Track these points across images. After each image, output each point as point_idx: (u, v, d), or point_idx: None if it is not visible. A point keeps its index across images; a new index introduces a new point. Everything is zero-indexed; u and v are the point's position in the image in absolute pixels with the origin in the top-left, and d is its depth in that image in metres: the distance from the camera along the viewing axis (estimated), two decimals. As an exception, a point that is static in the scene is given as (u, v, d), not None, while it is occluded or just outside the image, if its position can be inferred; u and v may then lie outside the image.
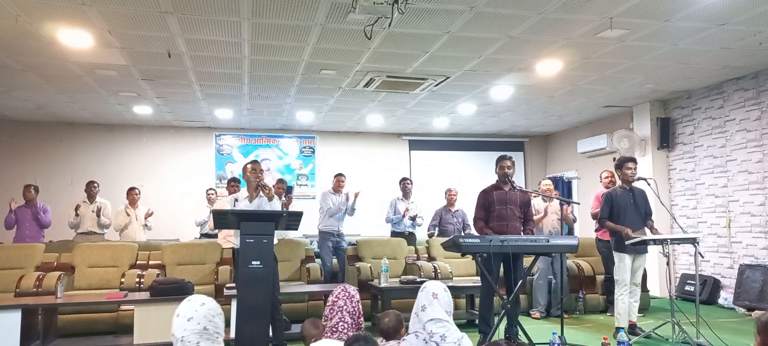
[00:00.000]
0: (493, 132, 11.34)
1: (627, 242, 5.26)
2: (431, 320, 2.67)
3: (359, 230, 9.08)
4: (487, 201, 5.29)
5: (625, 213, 5.45)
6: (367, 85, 7.35)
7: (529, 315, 6.75)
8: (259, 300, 4.31)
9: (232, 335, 4.60)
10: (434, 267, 6.78)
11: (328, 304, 2.91)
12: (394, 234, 7.88)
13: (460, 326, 2.78)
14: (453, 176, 10.53)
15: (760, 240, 7.07)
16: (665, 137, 8.48)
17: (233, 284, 5.34)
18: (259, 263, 4.33)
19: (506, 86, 7.62)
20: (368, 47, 5.89)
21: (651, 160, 8.62)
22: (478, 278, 5.66)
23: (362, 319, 2.92)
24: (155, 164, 10.31)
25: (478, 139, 11.63)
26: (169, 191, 10.16)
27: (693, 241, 5.32)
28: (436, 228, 7.86)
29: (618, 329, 5.32)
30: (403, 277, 6.45)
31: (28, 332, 4.77)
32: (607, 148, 9.44)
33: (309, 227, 8.46)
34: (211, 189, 8.86)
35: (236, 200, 5.13)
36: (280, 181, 7.77)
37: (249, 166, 5.07)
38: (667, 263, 5.22)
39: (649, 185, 5.41)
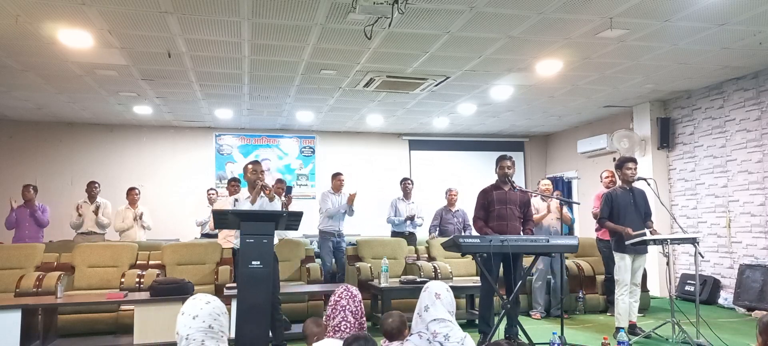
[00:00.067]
0: (493, 132, 11.34)
1: (627, 242, 5.26)
2: (434, 320, 2.67)
3: (359, 230, 9.08)
4: (486, 201, 5.29)
5: (625, 213, 5.45)
6: (367, 85, 7.35)
7: (529, 315, 6.75)
8: (259, 300, 4.32)
9: (232, 335, 4.60)
10: (434, 267, 6.79)
11: (330, 303, 2.92)
12: (394, 234, 7.88)
13: (460, 326, 2.78)
14: (453, 176, 10.53)
15: (760, 240, 7.07)
16: (665, 137, 8.48)
17: (233, 284, 5.34)
18: (259, 263, 4.34)
19: (506, 86, 7.62)
20: (368, 47, 5.89)
21: (651, 160, 8.62)
22: (478, 278, 5.65)
23: (364, 319, 2.92)
24: (155, 164, 10.31)
25: (478, 139, 11.63)
26: (169, 191, 10.16)
27: (693, 241, 5.32)
28: (437, 229, 7.86)
29: (618, 329, 5.32)
30: (403, 277, 6.45)
31: (28, 332, 4.77)
32: (607, 148, 9.45)
33: (309, 227, 8.47)
34: (211, 189, 8.85)
35: (236, 200, 5.13)
36: (280, 181, 7.76)
37: (250, 166, 5.07)
38: (667, 263, 5.22)
39: (649, 185, 5.41)
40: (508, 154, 5.43)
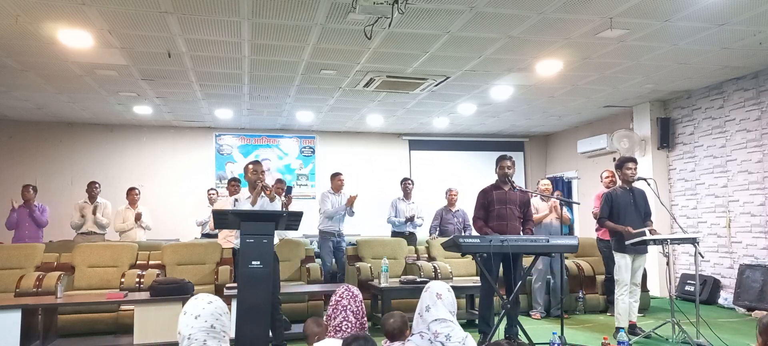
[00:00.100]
0: (493, 132, 11.34)
1: (627, 242, 5.26)
2: (436, 320, 2.67)
3: (359, 230, 9.09)
4: (486, 200, 5.29)
5: (625, 213, 5.45)
6: (367, 85, 7.35)
7: (529, 316, 6.75)
8: (259, 300, 4.32)
9: (232, 334, 4.60)
10: (434, 267, 6.78)
11: (331, 303, 2.92)
12: (394, 234, 7.88)
13: (460, 326, 2.78)
14: (453, 176, 10.53)
15: (760, 240, 7.07)
16: (665, 137, 8.48)
17: (233, 284, 5.34)
18: (259, 263, 4.34)
19: (506, 86, 7.62)
20: (368, 47, 5.89)
21: (651, 160, 8.62)
22: (478, 278, 5.66)
23: (366, 319, 2.92)
24: (155, 164, 10.31)
25: (478, 139, 11.63)
26: (169, 191, 10.16)
27: (693, 241, 5.32)
28: (437, 229, 7.86)
29: (618, 329, 5.32)
30: (403, 277, 6.45)
31: (28, 332, 4.77)
32: (607, 148, 9.45)
33: (309, 227, 8.47)
34: (212, 189, 8.86)
35: (236, 200, 5.13)
36: (279, 181, 7.76)
37: (250, 166, 5.07)
38: (667, 263, 5.22)
39: (649, 185, 5.41)
40: (508, 154, 5.43)
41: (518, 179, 10.00)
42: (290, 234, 7.06)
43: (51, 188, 9.56)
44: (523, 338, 4.76)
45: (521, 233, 5.28)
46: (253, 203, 4.91)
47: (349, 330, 2.81)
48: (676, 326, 5.10)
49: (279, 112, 9.19)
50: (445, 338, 2.64)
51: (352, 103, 8.59)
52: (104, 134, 10.14)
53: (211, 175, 10.48)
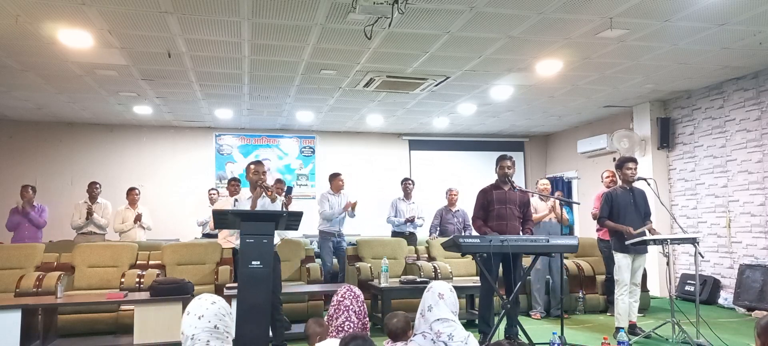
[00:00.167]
0: (493, 132, 11.34)
1: (627, 242, 5.26)
2: (438, 320, 2.68)
3: (359, 230, 9.08)
4: (486, 200, 5.30)
5: (625, 213, 5.45)
6: (367, 85, 7.35)
7: (528, 316, 6.74)
8: (259, 300, 4.32)
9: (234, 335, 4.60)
10: (434, 267, 6.78)
11: (333, 303, 2.91)
12: (394, 234, 7.88)
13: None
14: (453, 176, 10.53)
15: (760, 240, 7.07)
16: (665, 137, 8.48)
17: (233, 284, 5.34)
18: (259, 263, 4.34)
19: (506, 86, 7.62)
20: (368, 47, 5.89)
21: (651, 160, 8.62)
22: (478, 278, 5.66)
23: (367, 319, 2.92)
24: (155, 164, 10.31)
25: (478, 139, 11.63)
26: (169, 191, 10.16)
27: (693, 241, 5.32)
28: (437, 229, 7.86)
29: (618, 329, 5.32)
30: (403, 277, 6.45)
31: (28, 332, 4.77)
32: (607, 148, 9.45)
33: (309, 227, 8.47)
34: (213, 189, 8.87)
35: (236, 200, 5.12)
36: (279, 181, 7.76)
37: (252, 166, 5.05)
38: (667, 263, 5.22)
39: (649, 185, 5.41)
40: (509, 154, 5.43)
41: (518, 179, 10.00)
42: (290, 234, 7.05)
43: (51, 188, 9.56)
44: (523, 338, 4.76)
45: (521, 232, 5.28)
46: (253, 207, 4.90)
47: (351, 330, 2.81)
48: (676, 326, 5.10)
49: (279, 112, 9.19)
50: (447, 337, 2.64)
51: (352, 103, 8.59)
52: (104, 134, 10.14)
53: (211, 175, 10.48)
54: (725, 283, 7.55)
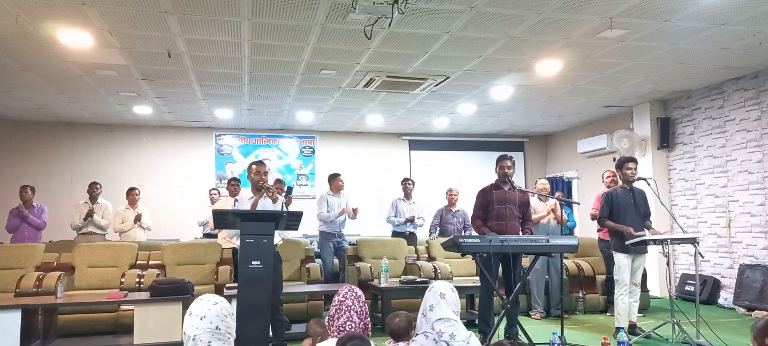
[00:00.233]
0: (493, 132, 11.34)
1: (628, 242, 5.26)
2: (439, 319, 2.68)
3: (359, 230, 9.09)
4: (486, 200, 5.30)
5: (625, 213, 5.45)
6: (367, 85, 7.35)
7: (528, 316, 6.74)
8: (259, 300, 4.32)
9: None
10: (434, 267, 6.78)
11: (334, 303, 2.91)
12: (395, 234, 7.88)
13: (461, 326, 2.78)
14: (453, 176, 10.53)
15: (760, 240, 7.07)
16: (665, 137, 8.48)
17: (234, 284, 5.34)
18: (259, 263, 4.34)
19: (506, 86, 7.62)
20: (368, 47, 5.89)
21: (651, 160, 8.62)
22: (478, 278, 5.66)
23: (369, 319, 2.92)
24: (155, 164, 10.31)
25: (478, 139, 11.63)
26: (169, 191, 10.16)
27: (693, 241, 5.32)
28: (437, 228, 7.86)
29: (618, 329, 5.32)
30: (403, 277, 6.45)
31: (28, 332, 4.77)
32: (607, 148, 9.45)
33: (309, 227, 8.47)
34: (214, 189, 8.87)
35: (236, 201, 5.12)
36: (279, 181, 7.76)
37: (254, 166, 5.03)
38: (667, 263, 5.22)
39: (649, 185, 5.41)
40: (509, 154, 5.43)
41: (518, 179, 10.00)
42: (290, 234, 7.05)
43: (51, 188, 9.56)
44: (523, 338, 4.76)
45: (520, 232, 5.28)
46: (254, 208, 4.89)
47: (352, 331, 2.80)
48: (676, 326, 5.10)
49: (279, 112, 9.19)
50: (449, 337, 2.64)
51: (352, 103, 8.59)
52: (104, 134, 10.14)
53: (211, 175, 10.48)
54: (725, 283, 7.55)
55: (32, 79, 7.02)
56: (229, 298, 4.96)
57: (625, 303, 5.40)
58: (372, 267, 6.68)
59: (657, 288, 8.10)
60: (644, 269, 5.81)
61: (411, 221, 7.82)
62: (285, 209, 4.97)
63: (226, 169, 10.54)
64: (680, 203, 8.39)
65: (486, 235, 4.94)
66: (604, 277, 6.99)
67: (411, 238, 7.74)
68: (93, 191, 7.73)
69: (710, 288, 7.59)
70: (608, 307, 6.81)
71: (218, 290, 5.86)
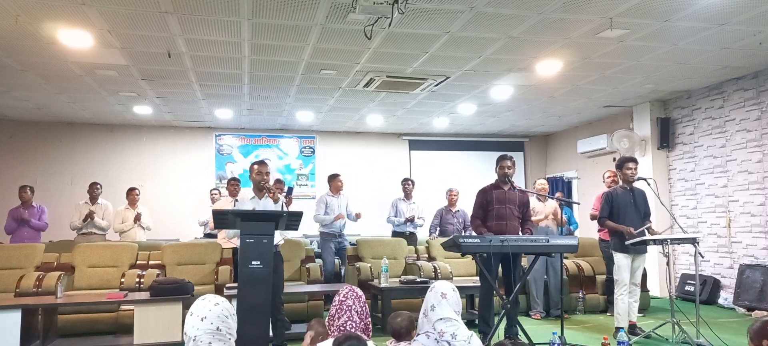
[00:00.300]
0: (493, 132, 11.34)
1: (628, 242, 5.26)
2: (441, 319, 2.68)
3: (359, 230, 9.09)
4: (485, 200, 5.30)
5: (625, 213, 5.45)
6: (367, 85, 7.35)
7: (528, 316, 6.74)
8: (259, 300, 4.32)
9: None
10: (434, 267, 6.79)
11: (334, 303, 2.90)
12: (395, 234, 7.88)
13: (461, 326, 2.78)
14: (453, 176, 10.53)
15: (760, 240, 7.07)
16: (665, 137, 8.48)
17: (234, 284, 5.34)
18: (259, 263, 4.34)
19: (506, 86, 7.62)
20: (368, 47, 5.89)
21: (651, 160, 8.62)
22: (478, 278, 5.66)
23: (369, 320, 2.91)
24: (155, 164, 10.31)
25: (478, 139, 11.63)
26: (169, 191, 10.16)
27: (693, 241, 5.32)
28: (437, 228, 7.86)
29: (618, 329, 5.32)
30: (403, 277, 6.45)
31: (28, 332, 4.77)
32: (607, 148, 9.45)
33: (309, 227, 8.47)
34: (215, 189, 8.87)
35: (236, 201, 5.12)
36: (279, 181, 7.76)
37: (256, 166, 5.03)
38: (667, 263, 5.22)
39: (649, 185, 5.41)
40: (509, 154, 5.43)
41: (518, 179, 10.00)
42: (290, 234, 7.05)
43: (51, 188, 9.56)
44: (523, 338, 4.76)
45: (520, 233, 5.28)
46: (259, 201, 4.89)
47: (353, 330, 2.80)
48: (676, 326, 5.10)
49: (279, 112, 9.19)
50: (450, 336, 2.64)
51: (352, 103, 8.59)
52: (104, 134, 10.14)
53: (211, 175, 10.48)
54: (725, 283, 7.55)
55: (32, 79, 7.02)
56: (229, 298, 4.99)
57: (625, 303, 5.40)
58: (372, 267, 6.68)
59: (657, 288, 8.10)
60: (644, 269, 5.81)
61: (411, 220, 7.82)
62: (285, 209, 4.97)
63: (226, 170, 10.54)
64: (680, 203, 8.39)
65: (485, 235, 4.95)
66: (604, 277, 6.99)
67: (411, 238, 7.74)
68: (93, 191, 7.73)
69: (710, 288, 7.59)
70: (608, 307, 6.81)
71: (218, 290, 5.86)
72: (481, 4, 4.80)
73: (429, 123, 10.27)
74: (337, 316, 2.84)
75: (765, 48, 6.10)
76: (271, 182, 5.22)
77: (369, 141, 11.26)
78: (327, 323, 2.95)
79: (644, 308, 6.81)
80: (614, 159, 8.89)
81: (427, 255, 7.31)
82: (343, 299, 2.87)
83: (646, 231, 5.27)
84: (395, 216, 7.93)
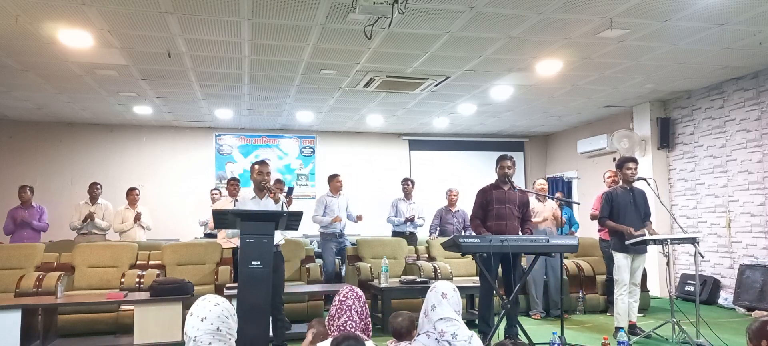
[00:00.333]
0: (493, 132, 11.34)
1: (627, 242, 5.26)
2: (441, 319, 2.67)
3: (359, 230, 9.08)
4: (485, 200, 5.30)
5: (625, 213, 5.46)
6: (367, 85, 7.35)
7: (528, 316, 6.74)
8: (259, 300, 4.32)
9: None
10: (434, 267, 6.78)
11: (334, 303, 2.90)
12: (395, 234, 7.88)
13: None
14: (453, 176, 10.53)
15: (760, 240, 7.07)
16: (665, 137, 8.48)
17: (234, 284, 5.34)
18: (259, 263, 4.34)
19: (506, 86, 7.62)
20: (368, 47, 5.89)
21: (651, 160, 8.62)
22: (478, 278, 5.66)
23: (369, 320, 2.91)
24: (155, 164, 10.31)
25: (478, 139, 11.63)
26: (169, 191, 10.16)
27: (693, 241, 5.32)
28: (437, 228, 7.86)
29: (618, 329, 5.32)
30: (403, 277, 6.45)
31: (28, 332, 4.77)
32: (607, 148, 9.44)
33: (309, 227, 8.47)
34: (215, 189, 8.87)
35: (236, 201, 5.12)
36: (279, 181, 7.76)
37: (257, 166, 5.02)
38: (667, 263, 5.22)
39: (649, 185, 5.41)
40: (509, 154, 5.43)
41: (518, 179, 9.99)
42: (290, 234, 7.05)
43: (51, 188, 9.56)
44: (523, 338, 4.76)
45: (520, 233, 5.28)
46: (260, 200, 4.89)
47: (353, 331, 2.80)
48: (676, 326, 5.10)
49: (279, 112, 9.19)
50: (451, 336, 2.64)
51: (352, 103, 8.59)
52: (104, 134, 10.14)
53: (211, 175, 10.48)
54: (725, 283, 7.55)
55: (32, 79, 7.02)
56: (229, 298, 4.99)
57: (625, 303, 5.40)
58: (372, 267, 6.68)
59: (657, 288, 8.10)
60: (644, 269, 5.81)
61: (411, 220, 7.81)
62: (286, 209, 4.97)
63: (226, 170, 10.54)
64: (680, 203, 8.39)
65: (484, 235, 4.95)
66: (604, 277, 6.99)
67: (411, 238, 7.74)
68: (93, 191, 7.72)
69: (710, 288, 7.59)
70: (608, 307, 6.81)
71: (218, 290, 5.86)
72: (481, 4, 4.80)
73: (429, 123, 10.27)
74: (336, 316, 2.84)
75: (765, 48, 6.10)
76: (271, 182, 5.21)
77: (369, 141, 11.26)
78: (327, 323, 2.95)
79: (644, 308, 6.81)
80: (614, 159, 8.90)
81: (427, 255, 7.31)
82: (343, 298, 2.86)
83: (646, 232, 5.27)
84: (395, 216, 7.93)
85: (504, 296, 4.85)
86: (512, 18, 5.14)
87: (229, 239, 6.60)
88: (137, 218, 7.75)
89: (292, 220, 4.67)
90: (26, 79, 7.04)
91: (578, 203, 9.07)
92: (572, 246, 4.97)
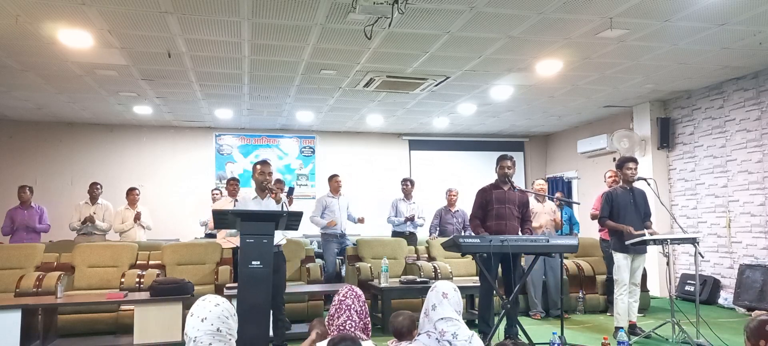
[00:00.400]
0: (493, 132, 11.34)
1: (627, 242, 5.26)
2: (442, 319, 2.68)
3: (359, 230, 9.08)
4: (485, 200, 5.30)
5: (625, 213, 5.46)
6: (367, 85, 7.35)
7: (528, 316, 6.74)
8: (259, 300, 4.32)
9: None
10: (434, 267, 6.78)
11: (334, 303, 2.91)
12: (394, 234, 7.88)
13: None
14: (453, 176, 10.53)
15: (760, 240, 7.07)
16: (665, 137, 8.48)
17: (234, 284, 5.34)
18: (259, 263, 4.34)
19: (506, 86, 7.62)
20: (368, 47, 5.89)
21: (651, 160, 8.62)
22: (478, 278, 5.66)
23: (369, 319, 2.92)
24: (155, 164, 10.31)
25: (478, 139, 11.63)
26: (169, 191, 10.16)
27: (693, 241, 5.32)
28: (437, 229, 7.86)
29: (618, 329, 5.32)
30: (403, 277, 6.45)
31: (28, 332, 4.77)
32: (607, 148, 9.45)
33: (309, 227, 8.47)
34: (216, 189, 8.87)
35: (236, 201, 5.12)
36: (279, 181, 7.76)
37: (259, 166, 5.01)
38: (667, 263, 5.22)
39: (649, 185, 5.41)
40: (509, 154, 5.43)
41: (518, 179, 9.99)
42: (290, 234, 7.05)
43: (51, 188, 9.56)
44: (523, 338, 4.76)
45: (520, 233, 5.28)
46: (262, 200, 4.89)
47: (352, 330, 2.80)
48: (676, 326, 5.10)
49: (279, 112, 9.19)
50: (451, 336, 2.64)
51: (352, 103, 8.59)
52: (104, 134, 10.14)
53: (211, 175, 10.48)
54: (725, 283, 7.55)
55: (32, 79, 7.02)
56: (229, 298, 4.99)
57: (625, 303, 5.40)
58: (372, 267, 6.68)
59: (657, 288, 8.10)
60: (644, 269, 5.81)
61: (411, 220, 7.82)
62: (286, 209, 4.97)
63: (226, 170, 10.53)
64: (680, 203, 8.39)
65: (483, 235, 4.95)
66: (604, 277, 6.98)
67: (411, 238, 7.74)
68: (93, 191, 7.72)
69: (710, 288, 7.59)
70: (608, 307, 6.80)
71: (218, 290, 5.86)
72: (481, 4, 4.80)
73: (429, 123, 10.27)
74: (336, 315, 2.84)
75: (765, 48, 6.10)
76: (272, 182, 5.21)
77: (369, 141, 11.26)
78: (326, 323, 2.96)
79: (644, 308, 6.81)
80: (614, 159, 8.90)
81: (427, 255, 7.31)
82: (343, 298, 2.87)
83: (645, 232, 5.27)
84: (395, 216, 7.93)
85: (504, 296, 4.85)
86: (512, 18, 5.14)
87: (229, 239, 6.60)
88: (137, 217, 7.75)
89: (292, 220, 4.67)
90: (26, 79, 7.04)
91: (578, 203, 9.07)
92: (572, 246, 4.97)
